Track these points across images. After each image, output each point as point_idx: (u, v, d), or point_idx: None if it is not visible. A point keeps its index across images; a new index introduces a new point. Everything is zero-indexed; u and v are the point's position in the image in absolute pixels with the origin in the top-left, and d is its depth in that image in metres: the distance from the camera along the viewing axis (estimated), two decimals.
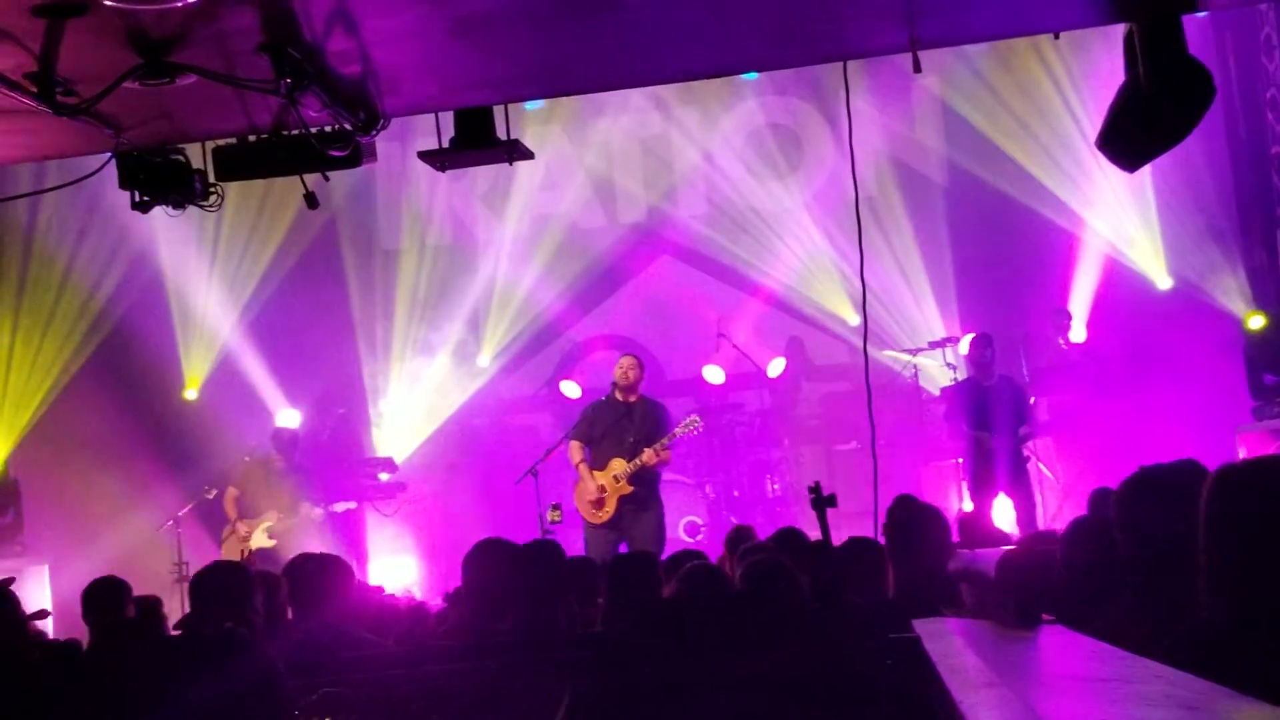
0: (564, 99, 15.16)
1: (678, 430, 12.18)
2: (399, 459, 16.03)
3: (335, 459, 15.04)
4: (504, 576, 6.24)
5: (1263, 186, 14.39)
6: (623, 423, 12.20)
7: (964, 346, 13.84)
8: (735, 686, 4.95)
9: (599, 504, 11.99)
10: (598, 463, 12.14)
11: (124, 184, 7.99)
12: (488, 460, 16.17)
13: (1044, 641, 3.57)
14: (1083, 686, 2.74)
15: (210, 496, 14.02)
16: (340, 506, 14.05)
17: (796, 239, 16.34)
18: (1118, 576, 4.31)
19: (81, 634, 7.62)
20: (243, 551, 13.29)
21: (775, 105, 16.70)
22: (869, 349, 9.08)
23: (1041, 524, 12.37)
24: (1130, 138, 7.48)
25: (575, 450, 12.32)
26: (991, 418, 12.71)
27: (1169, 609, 3.73)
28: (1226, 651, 3.15)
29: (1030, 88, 15.47)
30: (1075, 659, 3.23)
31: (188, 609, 9.24)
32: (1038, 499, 13.03)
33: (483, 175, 16.14)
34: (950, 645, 3.66)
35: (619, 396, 12.34)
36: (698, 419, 12.47)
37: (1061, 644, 3.49)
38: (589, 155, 16.87)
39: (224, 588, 6.48)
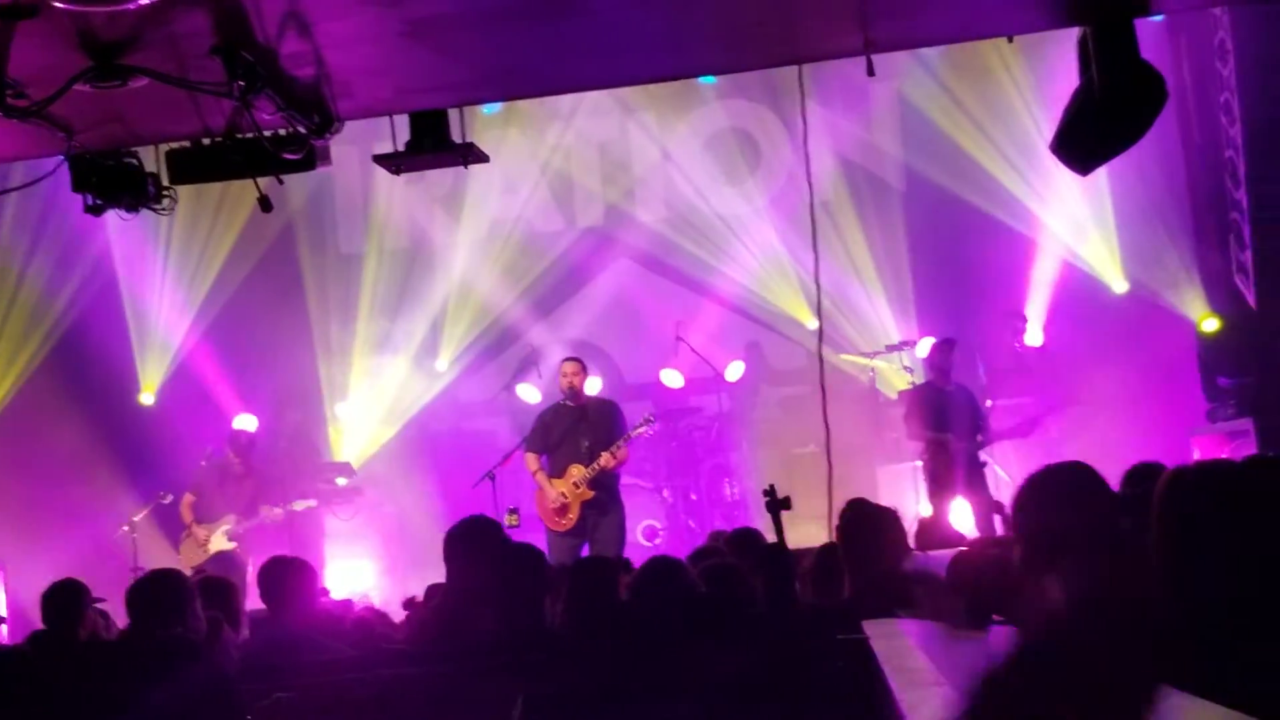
0: (520, 102, 15.10)
1: (632, 433, 12.18)
2: (356, 463, 15.99)
3: (293, 463, 14.98)
4: (489, 571, 6.21)
5: (1217, 190, 14.44)
6: (578, 427, 12.17)
7: (923, 349, 13.87)
8: (690, 689, 4.95)
9: (562, 512, 11.97)
10: (555, 470, 12.12)
11: (77, 187, 7.95)
12: (445, 464, 16.09)
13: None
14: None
15: (166, 501, 13.94)
16: (300, 505, 13.98)
17: (755, 243, 16.31)
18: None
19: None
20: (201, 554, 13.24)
21: (733, 109, 16.69)
22: (826, 353, 9.11)
23: (998, 526, 12.42)
24: (1084, 141, 7.53)
25: (532, 460, 12.32)
26: (950, 422, 12.76)
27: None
28: (1175, 648, 3.17)
29: (987, 91, 15.48)
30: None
31: None
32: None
33: (440, 179, 16.08)
34: (899, 646, 3.68)
35: (569, 402, 12.33)
36: (651, 418, 12.48)
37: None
38: (546, 158, 16.83)
39: (160, 597, 6.39)
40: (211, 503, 13.63)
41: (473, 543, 6.47)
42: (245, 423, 15.07)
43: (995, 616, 3.86)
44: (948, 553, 4.42)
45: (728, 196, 16.66)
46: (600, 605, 6.33)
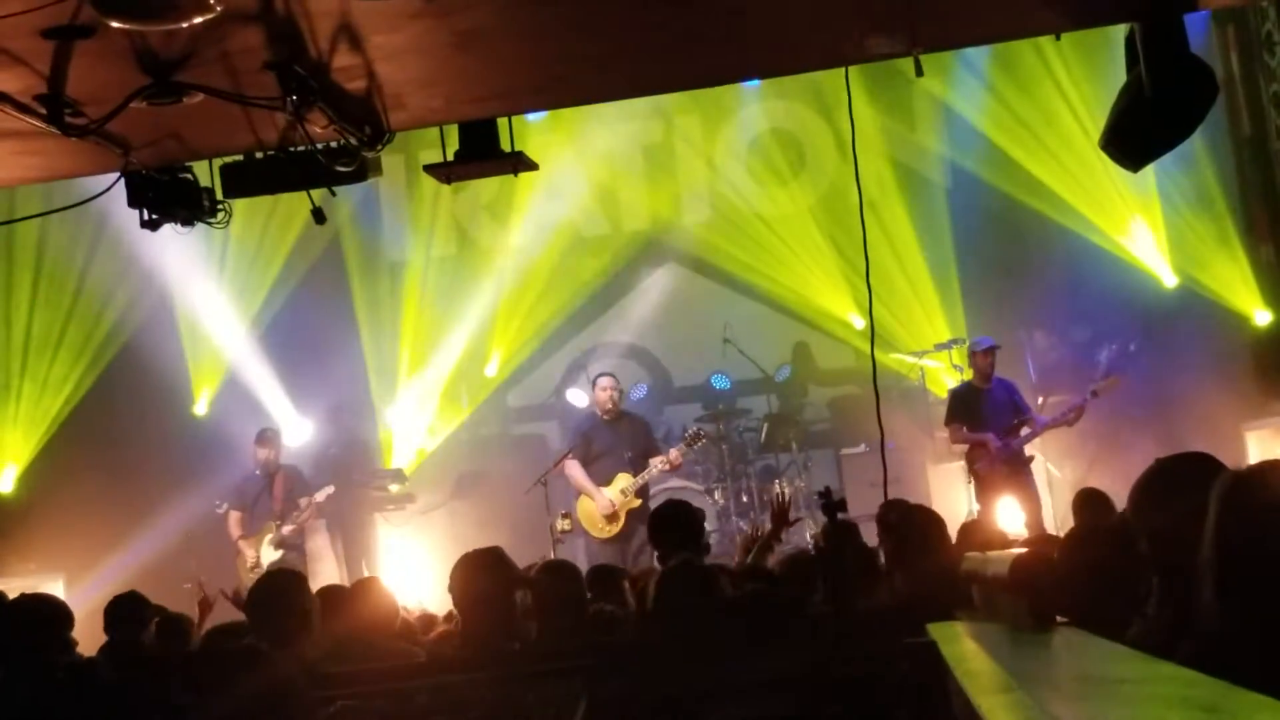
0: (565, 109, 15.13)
1: (684, 445, 12.61)
2: (409, 470, 16.07)
3: (344, 471, 15.04)
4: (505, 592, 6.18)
5: (1267, 183, 14.35)
6: (619, 439, 12.51)
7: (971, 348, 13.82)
8: (753, 691, 4.97)
9: (611, 519, 12.24)
10: (601, 480, 12.43)
11: (132, 203, 8.01)
12: (496, 470, 16.17)
13: (1059, 644, 3.57)
14: (1100, 689, 2.76)
15: (221, 510, 14.03)
16: (321, 494, 13.95)
17: (800, 243, 16.30)
18: (1126, 580, 4.31)
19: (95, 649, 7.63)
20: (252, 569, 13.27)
21: (777, 110, 16.68)
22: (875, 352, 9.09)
23: (1050, 523, 12.41)
24: (1134, 138, 7.50)
25: (578, 470, 12.55)
26: (986, 421, 12.77)
27: (1183, 614, 3.72)
28: (1238, 657, 3.16)
29: (1032, 87, 15.40)
30: (1091, 661, 3.25)
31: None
32: (1044, 499, 13.04)
33: (486, 185, 16.12)
34: (965, 649, 3.68)
35: (605, 416, 12.64)
36: (700, 432, 12.89)
37: (1077, 646, 3.51)
38: (592, 164, 16.85)
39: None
40: (253, 516, 13.69)
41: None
42: (299, 432, 15.30)
43: (1060, 618, 3.85)
44: (1007, 553, 4.41)
45: (773, 197, 16.66)
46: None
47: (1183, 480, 4.04)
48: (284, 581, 6.91)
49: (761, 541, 8.57)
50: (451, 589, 6.17)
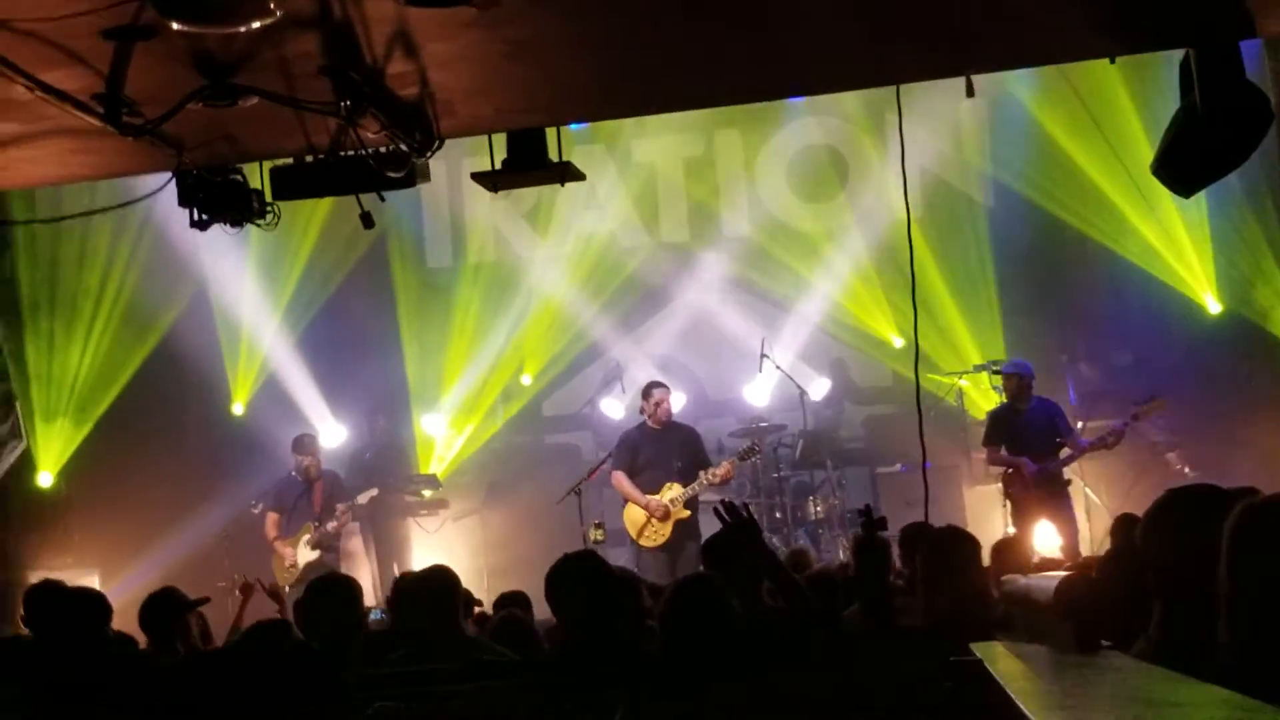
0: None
1: (739, 459, 12.83)
2: (443, 475, 16.09)
3: (380, 476, 15.07)
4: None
5: None
6: (669, 449, 12.41)
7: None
8: (793, 710, 4.98)
9: (660, 526, 12.19)
10: (646, 489, 12.32)
11: (183, 202, 8.06)
12: (530, 478, 16.16)
13: (1105, 667, 3.58)
14: (1151, 711, 2.77)
15: (257, 510, 14.07)
16: (363, 497, 13.97)
17: (841, 260, 16.25)
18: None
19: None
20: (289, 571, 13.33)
21: (820, 125, 16.65)
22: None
23: (1087, 548, 12.34)
24: (1187, 163, 7.47)
25: (624, 480, 12.47)
26: (1024, 443, 12.69)
27: (1185, 646, 3.72)
28: (1252, 692, 3.16)
29: (1077, 107, 15.29)
30: (1139, 684, 3.26)
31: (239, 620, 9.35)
32: (1080, 523, 12.96)
33: (526, 194, 16.11)
34: (1014, 669, 3.69)
35: (654, 424, 12.56)
36: (756, 447, 12.94)
37: (1125, 669, 3.51)
38: (632, 175, 16.87)
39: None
40: (290, 518, 13.71)
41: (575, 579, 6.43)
42: (333, 436, 15.37)
43: (1105, 642, 3.85)
44: (1051, 576, 4.41)
45: (813, 213, 16.64)
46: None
47: (1191, 512, 4.05)
48: (339, 585, 6.99)
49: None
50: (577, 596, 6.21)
